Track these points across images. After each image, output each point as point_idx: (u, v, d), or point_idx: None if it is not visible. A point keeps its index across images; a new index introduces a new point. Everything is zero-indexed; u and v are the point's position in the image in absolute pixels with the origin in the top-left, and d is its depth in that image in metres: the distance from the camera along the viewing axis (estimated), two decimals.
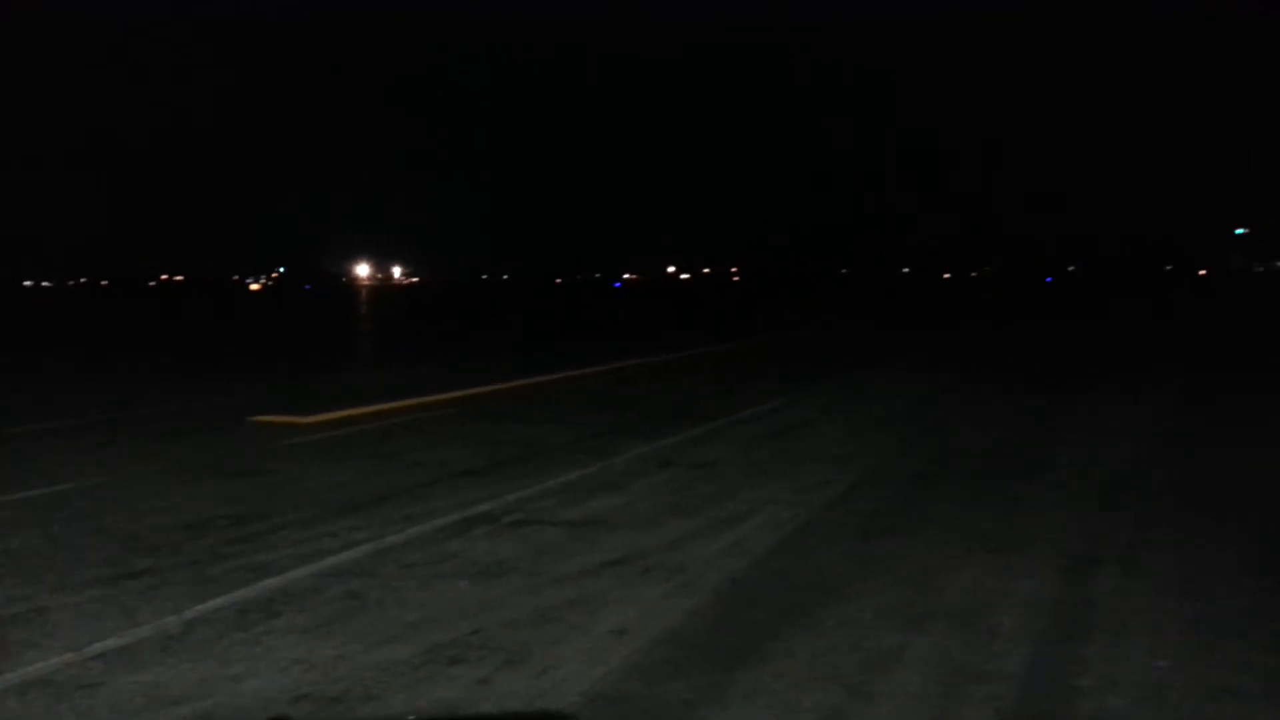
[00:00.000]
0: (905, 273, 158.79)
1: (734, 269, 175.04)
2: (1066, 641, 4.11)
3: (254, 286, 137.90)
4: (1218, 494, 6.78)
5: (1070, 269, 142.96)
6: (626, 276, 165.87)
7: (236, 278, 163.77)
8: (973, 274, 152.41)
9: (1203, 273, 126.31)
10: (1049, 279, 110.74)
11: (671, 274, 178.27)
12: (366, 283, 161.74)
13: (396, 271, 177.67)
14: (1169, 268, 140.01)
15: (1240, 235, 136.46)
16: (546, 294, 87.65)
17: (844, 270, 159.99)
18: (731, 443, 9.02)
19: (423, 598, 4.76)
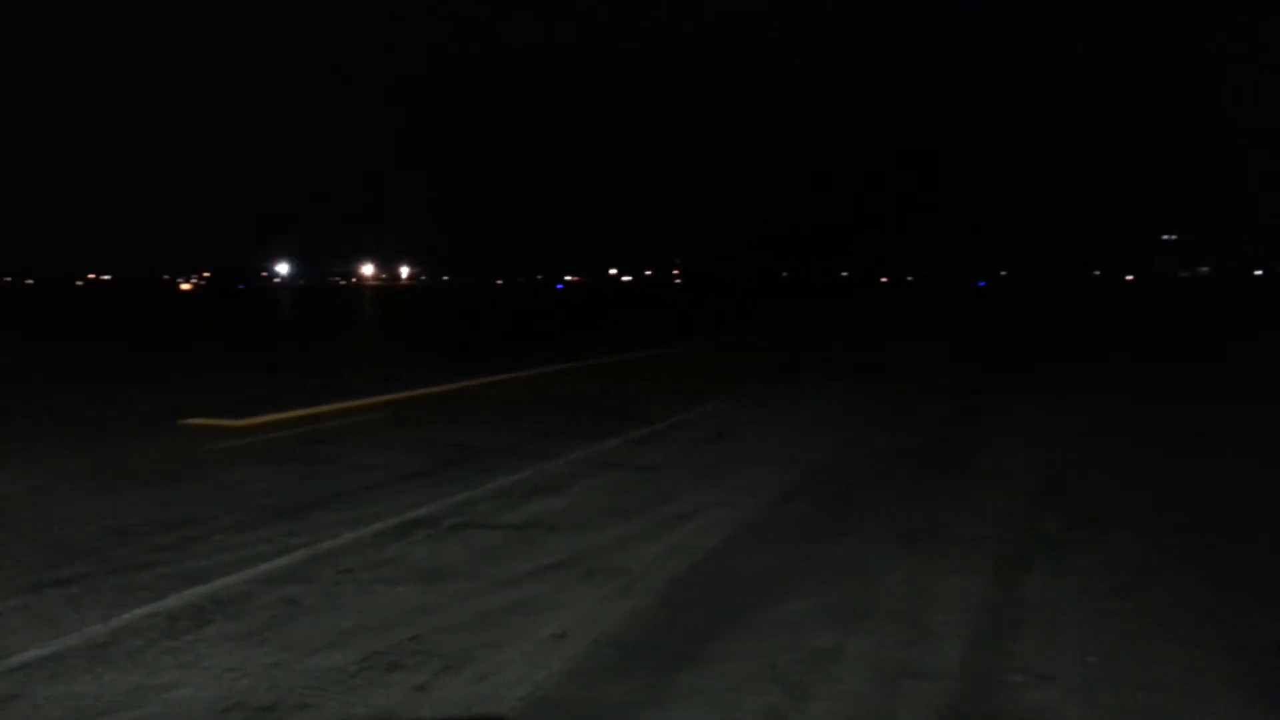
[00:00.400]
0: (844, 276, 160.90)
1: (675, 271, 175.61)
2: (999, 638, 4.20)
3: (185, 286, 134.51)
4: (1143, 494, 6.99)
5: (1002, 273, 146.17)
6: (569, 279, 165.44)
7: (167, 277, 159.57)
8: (908, 278, 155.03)
9: (1130, 278, 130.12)
10: (981, 284, 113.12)
11: (612, 276, 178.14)
12: (371, 282, 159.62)
13: (404, 271, 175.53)
14: (1096, 273, 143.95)
15: (1167, 241, 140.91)
16: (493, 296, 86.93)
17: (784, 274, 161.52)
18: (672, 445, 9.05)
19: (360, 604, 4.69)
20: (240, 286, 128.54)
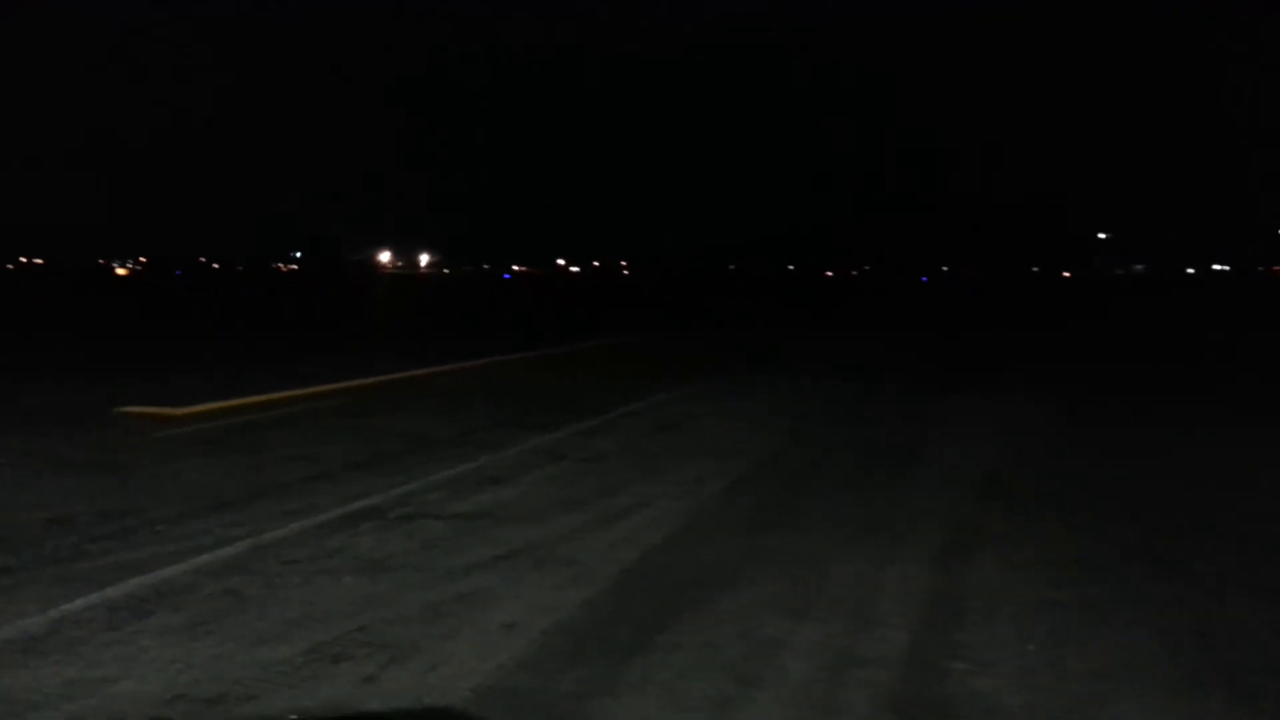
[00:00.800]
0: (790, 269, 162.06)
1: (623, 263, 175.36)
2: (942, 627, 4.29)
3: (120, 271, 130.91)
4: (1083, 488, 7.17)
5: (944, 269, 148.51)
6: (516, 268, 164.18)
7: (103, 261, 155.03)
8: (853, 272, 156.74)
9: (1067, 275, 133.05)
10: (924, 279, 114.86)
11: (561, 266, 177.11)
12: (387, 270, 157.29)
13: (424, 259, 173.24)
14: (1035, 269, 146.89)
15: (1103, 240, 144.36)
16: (444, 285, 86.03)
17: (731, 267, 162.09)
18: (621, 436, 9.06)
19: (305, 595, 4.64)
20: (178, 272, 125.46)
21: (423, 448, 8.36)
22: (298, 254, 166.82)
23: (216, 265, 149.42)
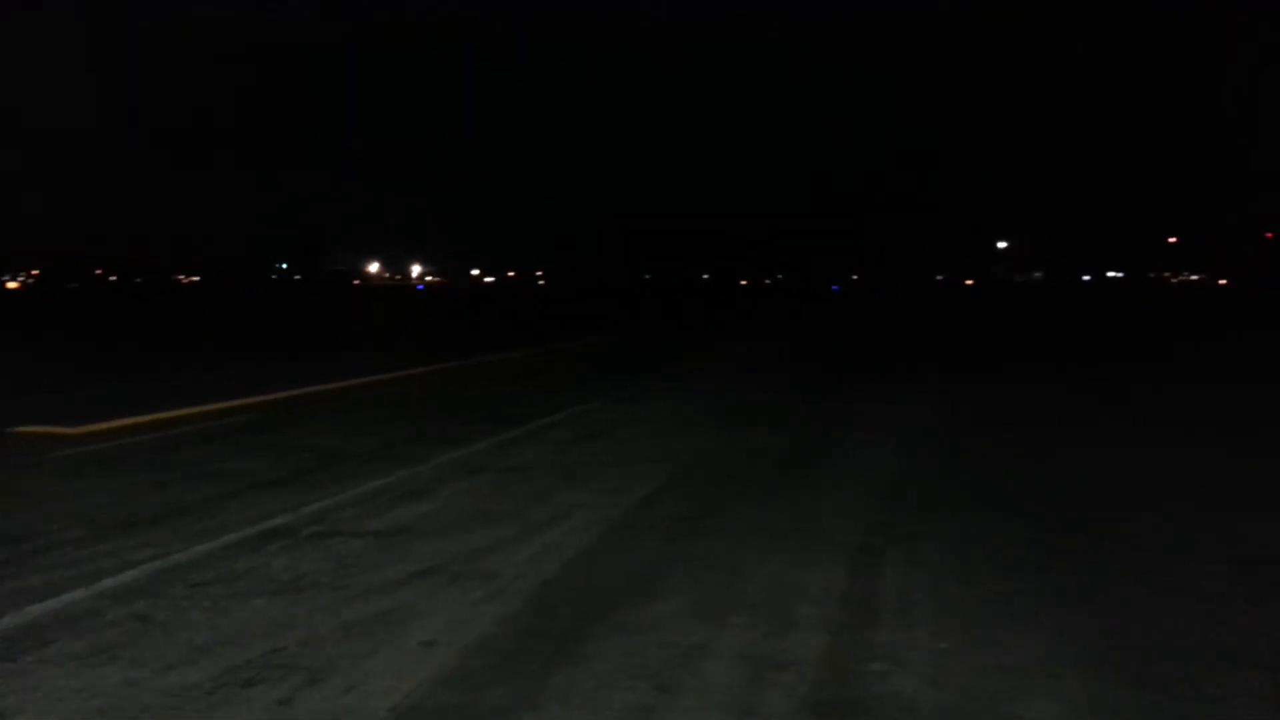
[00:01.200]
0: (705, 279, 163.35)
1: (538, 272, 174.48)
2: (858, 628, 4.38)
3: (11, 285, 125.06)
4: (988, 489, 7.40)
5: (854, 277, 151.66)
6: (430, 279, 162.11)
7: None
8: (766, 281, 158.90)
9: (969, 282, 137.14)
10: (835, 287, 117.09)
11: (475, 276, 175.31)
12: (378, 281, 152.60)
13: (415, 269, 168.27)
14: (940, 278, 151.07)
15: (1003, 248, 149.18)
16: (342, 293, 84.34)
17: (646, 275, 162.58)
18: (542, 446, 9.03)
19: (215, 618, 4.50)
20: (72, 285, 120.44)
21: (337, 463, 8.19)
22: (283, 265, 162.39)
23: (114, 278, 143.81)
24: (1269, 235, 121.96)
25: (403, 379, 15.13)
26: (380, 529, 6.09)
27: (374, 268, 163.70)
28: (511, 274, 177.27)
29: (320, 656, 4.05)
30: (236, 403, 11.73)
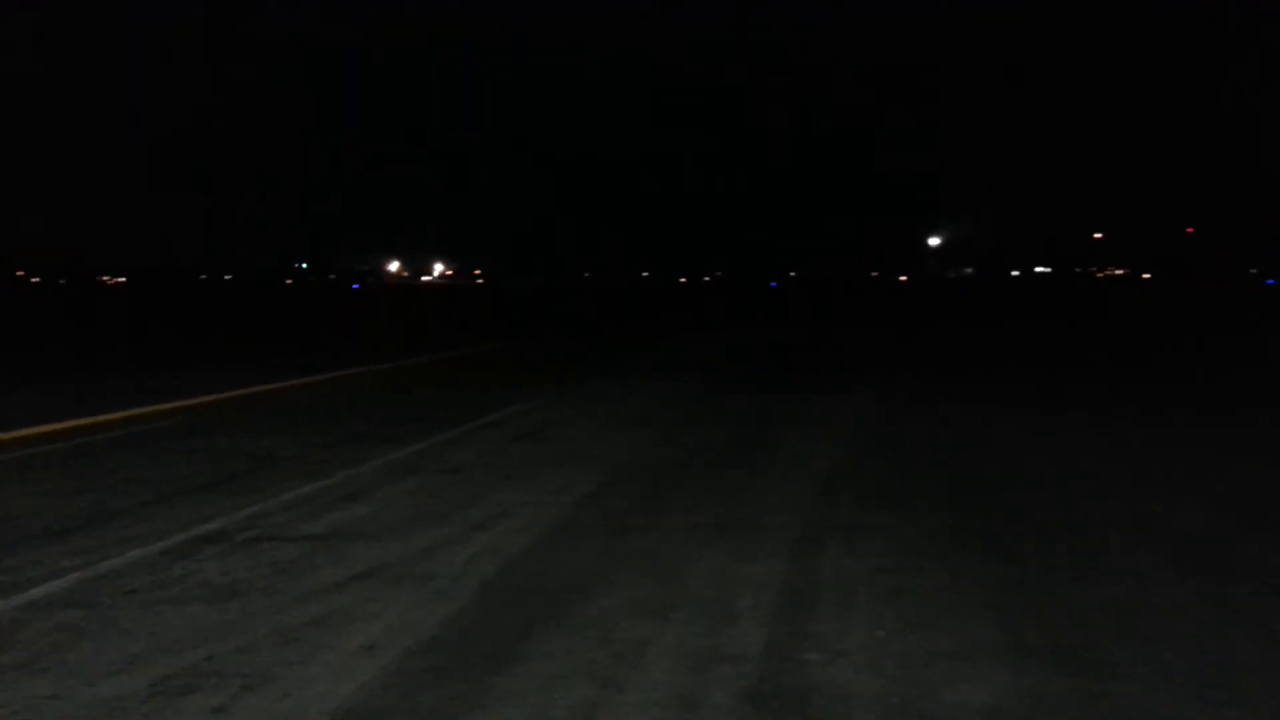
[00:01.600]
0: (645, 276, 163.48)
1: (477, 271, 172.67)
2: (797, 620, 4.44)
3: None
4: (921, 481, 7.55)
5: (792, 274, 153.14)
6: (448, 274, 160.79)
7: None
8: (705, 278, 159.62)
9: (903, 279, 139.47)
10: (774, 284, 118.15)
11: (442, 274, 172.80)
12: (394, 279, 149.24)
13: (437, 269, 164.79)
14: (874, 274, 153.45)
15: (934, 246, 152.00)
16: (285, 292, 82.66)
17: (586, 275, 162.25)
18: (481, 446, 8.97)
19: (148, 626, 4.39)
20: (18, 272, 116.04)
21: (272, 466, 8.05)
22: (303, 264, 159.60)
23: (37, 280, 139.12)
24: (1190, 230, 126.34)
25: (339, 380, 14.92)
26: (317, 532, 6.00)
27: (394, 266, 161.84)
28: (478, 272, 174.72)
29: (257, 663, 3.98)
30: (169, 405, 11.43)
